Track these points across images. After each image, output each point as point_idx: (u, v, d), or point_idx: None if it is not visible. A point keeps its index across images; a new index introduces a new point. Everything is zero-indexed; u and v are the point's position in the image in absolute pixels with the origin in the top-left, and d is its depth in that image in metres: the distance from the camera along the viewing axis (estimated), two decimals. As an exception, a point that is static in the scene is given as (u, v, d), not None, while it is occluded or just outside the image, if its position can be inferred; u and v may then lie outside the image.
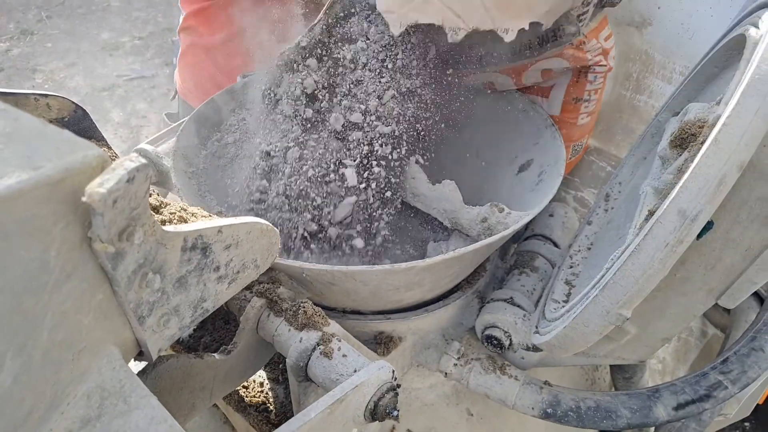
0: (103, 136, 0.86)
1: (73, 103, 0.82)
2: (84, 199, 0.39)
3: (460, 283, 1.05)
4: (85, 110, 0.83)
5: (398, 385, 0.75)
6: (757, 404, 1.96)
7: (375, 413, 0.71)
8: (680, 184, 0.58)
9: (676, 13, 1.16)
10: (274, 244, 0.67)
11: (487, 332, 0.97)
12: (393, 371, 0.74)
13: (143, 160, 0.41)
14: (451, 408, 1.12)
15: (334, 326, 0.80)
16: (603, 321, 0.66)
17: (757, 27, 0.69)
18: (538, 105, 1.12)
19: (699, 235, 0.61)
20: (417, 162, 1.01)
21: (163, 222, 0.65)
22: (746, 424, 2.26)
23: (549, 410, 0.91)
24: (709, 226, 0.62)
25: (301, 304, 0.78)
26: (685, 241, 0.59)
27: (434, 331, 1.02)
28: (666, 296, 0.79)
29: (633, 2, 1.20)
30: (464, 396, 1.12)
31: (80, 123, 0.83)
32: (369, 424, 0.73)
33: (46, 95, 0.80)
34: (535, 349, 0.95)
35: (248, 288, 0.86)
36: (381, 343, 0.96)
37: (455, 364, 0.98)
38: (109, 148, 0.87)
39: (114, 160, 0.83)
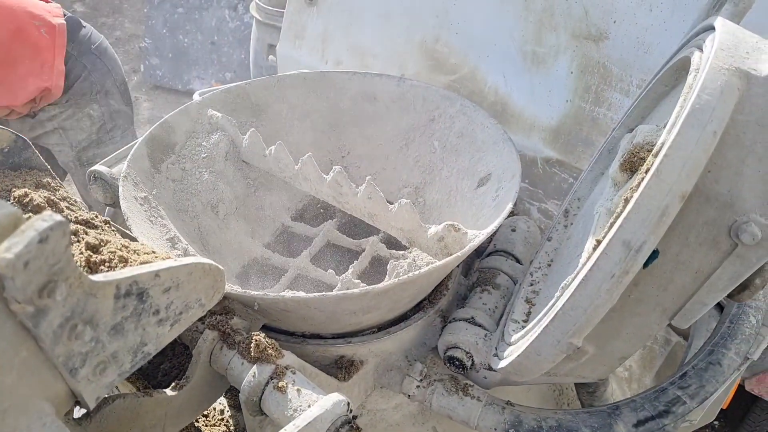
0: (46, 166, 0.83)
1: (13, 133, 0.79)
2: (-10, 265, 0.37)
3: (422, 302, 1.04)
4: (25, 140, 0.80)
5: (354, 417, 0.74)
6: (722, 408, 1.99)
7: (330, 448, 0.70)
8: (624, 215, 0.58)
9: (632, 27, 1.16)
10: (219, 281, 0.66)
11: (449, 353, 0.96)
12: (348, 404, 0.72)
13: (58, 218, 0.40)
14: (417, 427, 1.11)
15: (288, 357, 0.78)
16: (554, 350, 0.66)
17: (701, 50, 0.70)
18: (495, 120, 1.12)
19: (645, 265, 0.61)
20: (372, 182, 1.00)
21: (102, 262, 0.62)
22: (715, 422, 2.30)
23: (511, 431, 0.91)
24: (654, 255, 0.62)
25: (254, 337, 0.76)
26: (631, 271, 0.59)
27: (397, 353, 1.01)
28: (621, 317, 0.79)
29: (589, 16, 1.20)
30: (430, 415, 1.11)
31: (21, 153, 0.81)
32: (325, 458, 0.72)
33: (-17, 127, 0.78)
34: (497, 368, 0.95)
35: (200, 319, 0.84)
36: (342, 368, 0.95)
37: (418, 386, 0.97)
38: (54, 177, 0.84)
39: (56, 190, 0.81)
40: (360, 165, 1.31)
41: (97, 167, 1.16)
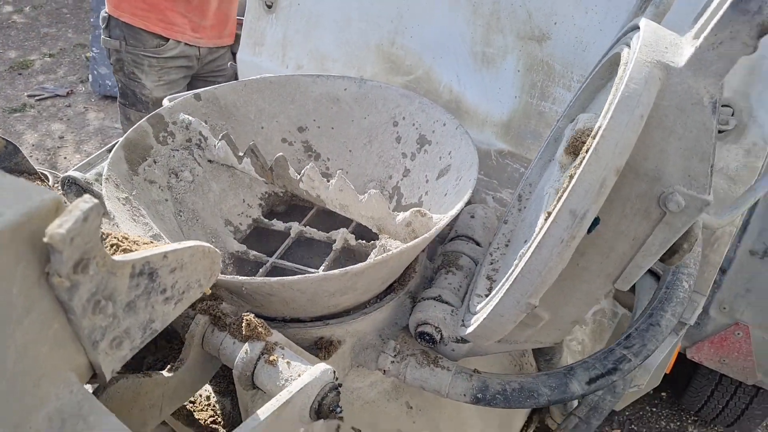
0: (35, 170, 0.88)
1: (3, 138, 0.84)
2: (45, 239, 0.43)
3: (393, 285, 1.12)
4: (16, 145, 0.85)
5: (339, 385, 0.81)
6: (669, 375, 2.15)
7: (320, 412, 0.77)
8: (569, 188, 0.68)
9: (571, 27, 1.28)
10: (216, 264, 0.72)
11: (419, 329, 1.05)
12: (334, 372, 0.80)
13: (95, 200, 0.46)
14: (391, 403, 1.19)
15: (276, 335, 0.85)
16: (515, 310, 0.75)
17: (629, 47, 0.81)
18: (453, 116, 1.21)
19: (589, 230, 0.71)
20: (343, 175, 1.08)
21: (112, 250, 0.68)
22: (663, 394, 2.47)
23: (479, 395, 1.00)
24: (596, 222, 0.72)
25: (244, 317, 0.83)
26: (577, 236, 0.69)
27: (371, 332, 1.09)
28: (572, 284, 0.89)
29: (533, 18, 1.31)
30: (403, 391, 1.19)
31: (12, 158, 0.85)
32: (315, 422, 0.79)
33: (-26, 133, 0.82)
34: (464, 340, 1.04)
35: (191, 306, 0.90)
36: (322, 348, 1.02)
37: (392, 362, 1.06)
38: (42, 180, 0.89)
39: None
40: (327, 162, 1.39)
41: (71, 173, 1.20)
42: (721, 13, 0.65)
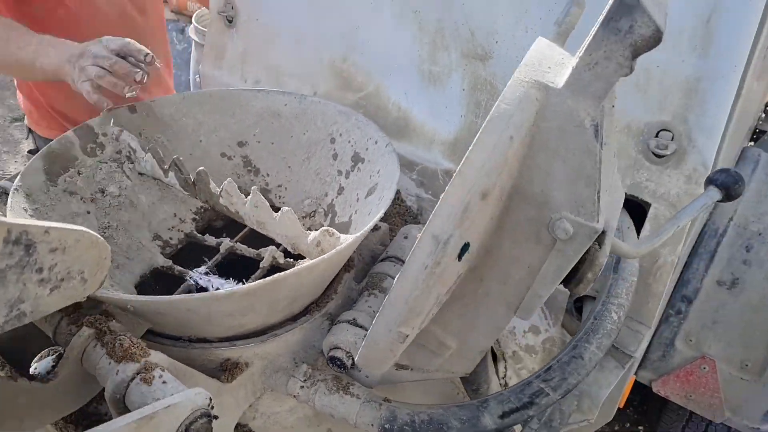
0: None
1: None
2: None
3: (309, 306, 1.08)
4: None
5: (215, 417, 0.77)
6: (643, 408, 2.07)
7: (186, 439, 0.73)
8: (433, 211, 0.64)
9: (511, 47, 1.25)
10: (105, 258, 0.69)
11: (330, 353, 1.01)
12: (210, 398, 0.76)
13: None
14: (312, 429, 1.15)
15: (156, 356, 0.82)
16: (388, 339, 0.71)
17: (527, 66, 0.77)
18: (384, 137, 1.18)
19: (459, 257, 0.67)
20: (260, 190, 1.05)
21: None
22: (640, 428, 2.38)
23: (386, 426, 0.96)
24: (466, 247, 0.68)
25: (119, 337, 0.80)
26: (443, 262, 0.65)
27: (284, 355, 1.05)
28: (475, 311, 0.85)
29: (475, 37, 1.29)
30: (325, 417, 1.15)
31: None
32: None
33: None
34: (377, 367, 1.00)
35: (76, 322, 0.87)
36: (226, 370, 0.98)
37: (302, 387, 1.01)
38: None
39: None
40: (266, 178, 1.36)
41: (1, 183, 1.19)
42: (593, 32, 0.61)
